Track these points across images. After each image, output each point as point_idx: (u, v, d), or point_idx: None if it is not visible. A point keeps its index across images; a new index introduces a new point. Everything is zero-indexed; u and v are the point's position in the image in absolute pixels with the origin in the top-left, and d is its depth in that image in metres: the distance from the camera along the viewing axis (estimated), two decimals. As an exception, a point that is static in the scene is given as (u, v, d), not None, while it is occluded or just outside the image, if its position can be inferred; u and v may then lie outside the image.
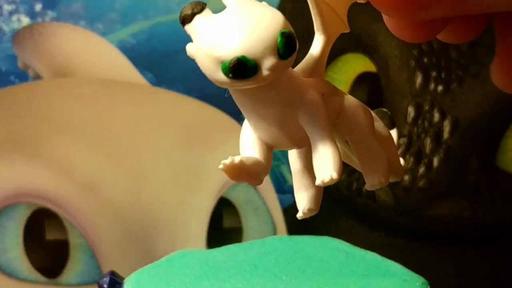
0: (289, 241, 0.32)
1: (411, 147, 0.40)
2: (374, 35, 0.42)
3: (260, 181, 0.23)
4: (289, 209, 0.52)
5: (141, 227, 0.38)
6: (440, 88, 0.41)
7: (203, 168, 0.40)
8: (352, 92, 0.44)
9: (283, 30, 0.22)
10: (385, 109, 0.28)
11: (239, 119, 0.58)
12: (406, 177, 0.40)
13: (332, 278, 0.30)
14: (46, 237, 0.38)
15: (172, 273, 0.30)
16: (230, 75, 0.21)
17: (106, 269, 0.37)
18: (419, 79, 0.41)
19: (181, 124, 0.42)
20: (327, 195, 0.48)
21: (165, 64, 0.58)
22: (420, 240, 0.42)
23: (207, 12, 0.22)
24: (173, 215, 0.39)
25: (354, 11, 0.45)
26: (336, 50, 0.44)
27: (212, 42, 0.21)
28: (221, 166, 0.22)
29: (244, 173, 0.23)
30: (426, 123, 0.40)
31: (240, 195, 0.42)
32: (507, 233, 0.42)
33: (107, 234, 0.37)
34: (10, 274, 0.37)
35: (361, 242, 0.43)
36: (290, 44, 0.22)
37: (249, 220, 0.42)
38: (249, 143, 0.24)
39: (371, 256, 0.33)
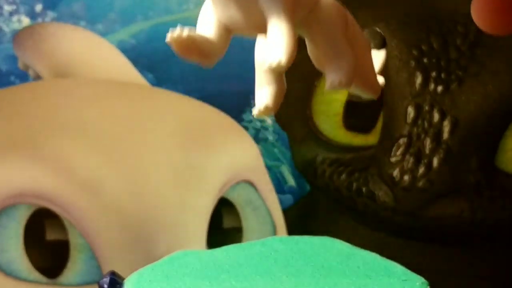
0: (289, 241, 0.32)
1: (411, 147, 0.40)
2: (374, 35, 0.42)
3: (211, 62, 0.22)
4: (289, 209, 0.52)
5: (141, 228, 0.38)
6: (440, 88, 0.41)
7: (203, 168, 0.40)
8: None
9: None
10: (377, 29, 0.27)
11: (239, 119, 0.58)
12: (406, 177, 0.40)
13: (332, 278, 0.30)
14: (46, 237, 0.38)
15: (172, 273, 0.30)
16: None
17: (106, 269, 0.37)
18: (419, 80, 0.41)
19: (181, 124, 0.42)
20: (327, 195, 0.48)
21: (165, 64, 0.58)
22: (420, 240, 0.42)
23: None
24: (173, 215, 0.39)
25: (354, 12, 0.45)
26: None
27: None
28: (167, 38, 0.21)
29: (193, 48, 0.21)
30: (426, 124, 0.40)
31: (240, 195, 0.42)
32: (507, 233, 0.42)
33: (107, 234, 0.37)
34: (10, 274, 0.37)
35: (361, 242, 0.43)
36: None
37: (249, 221, 0.42)
38: (206, 21, 0.22)
39: (371, 256, 0.33)
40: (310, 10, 0.23)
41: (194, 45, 0.21)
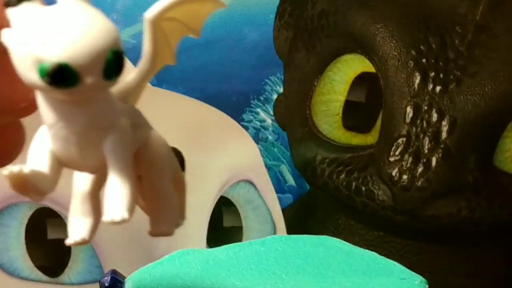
0: (289, 241, 0.32)
1: (410, 147, 0.40)
2: (373, 36, 0.42)
3: (41, 199, 0.21)
4: (289, 208, 0.52)
5: (142, 226, 0.38)
6: (438, 88, 0.41)
7: (203, 168, 0.40)
8: (352, 92, 0.44)
9: (114, 48, 0.20)
10: (176, 148, 0.26)
11: (239, 119, 0.58)
12: (405, 177, 0.40)
13: (331, 277, 0.30)
14: (47, 236, 0.38)
15: (173, 272, 0.30)
16: (47, 79, 0.19)
17: (107, 268, 0.37)
18: (417, 80, 0.41)
19: (181, 124, 0.42)
20: (326, 194, 0.48)
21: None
22: (419, 239, 0.42)
23: (36, 1, 0.20)
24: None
25: (353, 12, 0.46)
26: (336, 50, 0.45)
27: (35, 37, 0.19)
28: (6, 172, 0.20)
29: (27, 185, 0.21)
30: (424, 123, 0.40)
31: (240, 195, 0.42)
32: (505, 232, 0.42)
33: (108, 233, 0.37)
34: (12, 273, 0.37)
35: (360, 241, 0.43)
36: (118, 65, 0.20)
37: (249, 220, 0.43)
38: (39, 153, 0.21)
39: (370, 255, 0.33)
40: (140, 149, 0.23)
41: (28, 182, 0.21)
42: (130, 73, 0.22)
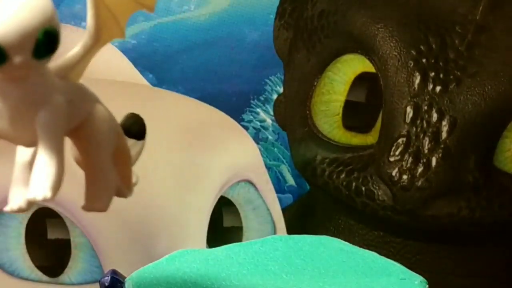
0: (289, 241, 0.32)
1: (410, 147, 0.40)
2: (373, 36, 0.42)
3: None
4: (289, 208, 0.52)
5: (142, 227, 0.38)
6: (438, 88, 0.41)
7: (203, 168, 0.40)
8: (352, 92, 0.44)
9: (48, 27, 0.20)
10: (139, 115, 0.26)
11: (239, 119, 0.58)
12: (405, 177, 0.40)
13: (331, 277, 0.30)
14: (48, 236, 0.38)
15: (173, 272, 0.30)
16: None
17: (107, 268, 0.37)
18: (417, 80, 0.41)
19: (181, 124, 0.42)
20: (326, 194, 0.48)
21: (165, 64, 0.58)
22: (419, 239, 0.42)
23: None
24: (173, 215, 0.39)
25: (353, 12, 0.46)
26: (336, 50, 0.45)
27: None
28: None
29: None
30: (424, 123, 0.40)
31: (240, 195, 0.42)
32: (505, 232, 0.42)
33: (108, 233, 0.37)
34: (12, 273, 0.37)
35: (360, 241, 0.43)
36: (51, 45, 0.20)
37: (249, 220, 0.43)
38: None
39: (370, 255, 0.33)
40: (80, 123, 0.23)
41: None
42: (74, 50, 0.22)
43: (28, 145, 0.23)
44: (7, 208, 0.22)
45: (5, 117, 0.21)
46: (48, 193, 0.21)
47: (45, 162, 0.21)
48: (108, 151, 0.24)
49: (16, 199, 0.22)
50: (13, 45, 0.19)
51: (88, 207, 0.24)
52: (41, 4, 0.20)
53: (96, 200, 0.24)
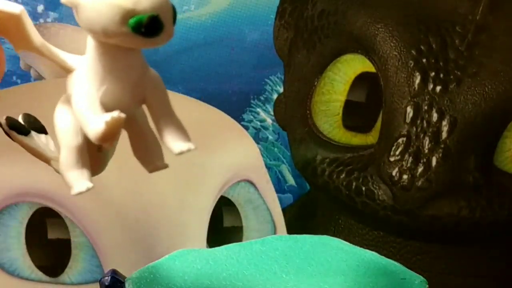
0: (289, 241, 0.32)
1: (410, 147, 0.40)
2: (373, 36, 0.42)
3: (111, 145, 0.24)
4: (289, 208, 0.52)
5: (142, 226, 0.38)
6: (438, 88, 0.41)
7: (203, 168, 0.40)
8: (352, 92, 0.44)
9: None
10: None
11: (239, 119, 0.58)
12: (405, 177, 0.40)
13: (331, 277, 0.30)
14: (48, 236, 0.38)
15: (173, 272, 0.30)
16: (143, 30, 0.21)
17: (108, 268, 0.37)
18: (417, 80, 0.41)
19: (182, 124, 0.42)
20: (326, 194, 0.48)
21: (165, 64, 0.58)
22: (419, 239, 0.42)
23: None
24: (173, 214, 0.39)
25: (353, 12, 0.46)
26: (336, 50, 0.45)
27: None
28: (109, 119, 0.22)
29: (117, 132, 0.23)
30: (424, 123, 0.40)
31: (241, 195, 0.42)
32: (505, 232, 0.42)
33: (108, 233, 0.37)
34: (12, 273, 0.37)
35: (360, 241, 0.43)
36: (175, 16, 0.22)
37: (249, 219, 0.43)
38: (96, 104, 0.23)
39: (370, 255, 0.33)
40: None
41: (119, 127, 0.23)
42: None
43: (127, 112, 0.23)
44: (74, 192, 0.23)
45: (128, 88, 0.23)
46: (191, 145, 0.24)
47: (173, 121, 0.24)
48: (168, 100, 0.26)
49: (81, 182, 0.23)
50: (167, 16, 0.21)
51: (153, 168, 0.26)
52: None
53: (158, 158, 0.26)
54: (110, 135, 0.22)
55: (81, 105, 0.23)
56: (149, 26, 0.21)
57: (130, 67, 0.23)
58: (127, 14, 0.21)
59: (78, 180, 0.24)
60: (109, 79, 0.23)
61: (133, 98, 0.24)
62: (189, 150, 0.24)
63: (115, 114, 0.22)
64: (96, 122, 0.22)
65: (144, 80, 0.23)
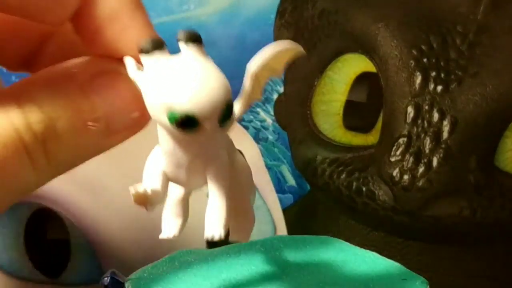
0: (289, 241, 0.32)
1: (411, 147, 0.40)
2: (373, 35, 0.42)
3: (153, 208, 0.26)
4: (289, 208, 0.52)
5: (142, 227, 0.38)
6: (439, 88, 0.41)
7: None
8: (352, 92, 0.44)
9: (228, 101, 0.24)
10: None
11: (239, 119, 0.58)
12: (406, 177, 0.40)
13: (332, 278, 0.30)
14: (47, 237, 0.38)
15: (173, 273, 0.30)
16: (175, 125, 0.23)
17: (107, 268, 0.37)
18: (418, 79, 0.41)
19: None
20: (327, 195, 0.48)
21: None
22: (420, 239, 0.42)
23: (166, 51, 0.24)
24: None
25: (354, 12, 0.46)
26: (336, 50, 0.45)
27: (166, 87, 0.23)
28: (133, 191, 0.24)
29: (148, 202, 0.25)
30: (425, 123, 0.40)
31: (241, 195, 0.42)
32: (506, 232, 0.42)
33: (108, 233, 0.37)
34: (12, 274, 0.37)
35: (360, 241, 0.43)
36: (229, 115, 0.24)
37: (249, 220, 0.42)
38: (153, 172, 0.26)
39: (371, 256, 0.33)
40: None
41: (148, 199, 0.25)
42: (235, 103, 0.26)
43: (195, 188, 0.27)
44: (162, 236, 0.26)
45: (183, 168, 0.25)
46: (222, 233, 0.25)
47: (216, 206, 0.25)
48: (248, 191, 0.29)
49: (170, 229, 0.26)
50: (207, 116, 0.23)
51: (232, 238, 0.28)
52: (223, 79, 0.24)
53: (240, 231, 0.29)
54: (138, 202, 0.25)
55: (146, 164, 0.26)
56: (183, 124, 0.23)
57: (189, 151, 0.25)
58: (167, 108, 0.23)
59: (170, 227, 0.28)
60: (173, 158, 0.25)
61: (191, 177, 0.25)
62: (219, 239, 0.25)
63: (138, 189, 0.24)
64: (136, 186, 0.25)
65: (207, 166, 0.25)
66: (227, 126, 0.24)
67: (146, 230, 0.38)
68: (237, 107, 0.26)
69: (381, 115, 0.43)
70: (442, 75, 0.41)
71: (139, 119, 0.26)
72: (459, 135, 0.40)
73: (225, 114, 0.23)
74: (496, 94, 0.40)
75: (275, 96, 0.61)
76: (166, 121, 0.23)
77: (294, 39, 0.48)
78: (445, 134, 0.40)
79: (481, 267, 0.43)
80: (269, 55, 0.25)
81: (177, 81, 0.23)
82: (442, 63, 0.41)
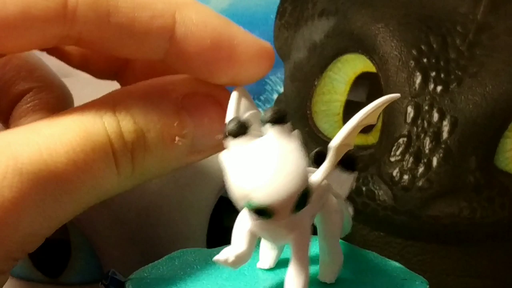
0: (289, 241, 0.32)
1: (411, 147, 0.40)
2: (373, 35, 0.42)
3: (241, 266, 0.27)
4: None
5: (142, 226, 0.38)
6: (439, 88, 0.41)
7: (203, 168, 0.40)
8: (352, 92, 0.44)
9: (303, 189, 0.24)
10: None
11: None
12: (406, 177, 0.40)
13: (331, 277, 0.30)
14: (48, 236, 0.38)
15: (172, 272, 0.30)
16: (251, 211, 0.24)
17: (107, 268, 0.37)
18: (418, 80, 0.41)
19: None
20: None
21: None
22: (419, 239, 0.42)
23: (249, 135, 0.25)
24: (173, 214, 0.39)
25: (354, 12, 0.46)
26: (336, 50, 0.45)
27: (244, 177, 0.24)
28: (221, 260, 0.26)
29: (235, 265, 0.26)
30: (425, 123, 0.40)
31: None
32: (506, 232, 0.42)
33: (108, 233, 0.37)
34: (12, 273, 0.37)
35: (360, 241, 0.43)
36: (304, 202, 0.24)
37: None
38: (241, 232, 0.27)
39: (371, 256, 0.33)
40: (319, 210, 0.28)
41: (234, 263, 0.26)
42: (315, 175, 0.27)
43: (278, 244, 0.30)
44: (215, 258, 0.27)
45: (268, 231, 0.26)
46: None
47: (296, 273, 0.26)
48: (338, 233, 0.29)
49: (225, 254, 0.27)
50: (281, 208, 0.24)
51: (322, 279, 0.29)
52: (302, 169, 0.24)
53: (327, 272, 0.29)
54: (229, 266, 0.26)
55: (235, 223, 0.28)
56: (258, 213, 0.24)
57: (272, 230, 0.26)
58: (244, 197, 0.24)
59: (267, 260, 0.30)
60: (258, 227, 0.26)
61: (275, 238, 0.27)
62: None
63: (220, 258, 0.26)
64: (224, 251, 0.26)
65: (290, 232, 0.26)
66: (301, 210, 0.25)
67: (146, 230, 0.38)
68: (316, 178, 0.26)
69: (381, 115, 0.43)
70: (442, 75, 0.41)
71: (223, 140, 0.27)
72: (459, 135, 0.40)
73: (299, 203, 0.24)
74: (496, 93, 0.40)
75: (275, 96, 0.61)
76: (242, 205, 0.25)
77: (294, 39, 0.48)
78: (445, 134, 0.40)
79: (481, 267, 0.43)
80: (351, 129, 0.26)
81: (254, 172, 0.24)
82: (442, 63, 0.41)
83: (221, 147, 0.27)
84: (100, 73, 0.34)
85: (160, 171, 0.29)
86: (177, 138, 0.28)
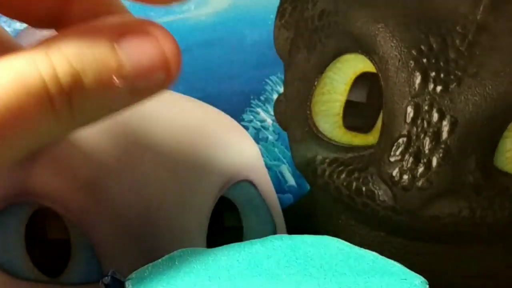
0: (289, 241, 0.33)
1: (410, 147, 0.40)
2: (373, 35, 0.42)
3: None
4: (289, 208, 0.52)
5: (142, 226, 0.38)
6: (439, 88, 0.41)
7: (203, 168, 0.40)
8: (352, 92, 0.44)
9: None
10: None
11: (239, 119, 0.58)
12: (405, 177, 0.40)
13: (331, 278, 0.30)
14: (47, 236, 0.38)
15: (173, 272, 0.30)
16: None
17: (107, 268, 0.37)
18: (418, 80, 0.41)
19: (181, 124, 0.42)
20: (327, 195, 0.48)
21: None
22: (419, 239, 0.42)
23: None
24: (173, 214, 0.39)
25: (354, 12, 0.46)
26: (336, 50, 0.45)
27: None
28: None
29: None
30: (425, 123, 0.40)
31: (241, 195, 0.42)
32: (505, 232, 0.42)
33: (108, 233, 0.37)
34: (12, 273, 0.37)
35: (360, 241, 0.43)
36: None
37: (249, 220, 0.43)
38: None
39: (371, 256, 0.33)
40: None
41: None
42: None
43: None
44: None
45: None
46: None
47: None
48: None
49: None
50: None
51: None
52: None
53: None
54: None
55: None
56: None
57: None
58: None
59: None
60: None
61: None
62: None
63: None
64: None
65: None
66: None
67: (146, 230, 0.38)
68: None
69: (381, 115, 0.43)
70: (442, 75, 0.41)
71: (164, 79, 0.26)
72: (458, 135, 0.40)
73: None
74: (495, 94, 0.40)
75: (275, 96, 0.61)
76: None
77: (294, 39, 0.48)
78: (444, 134, 0.40)
79: (480, 267, 0.43)
80: None
81: None
82: (441, 63, 0.41)
83: (163, 86, 0.26)
84: (37, 22, 0.33)
85: (100, 114, 0.28)
86: (115, 79, 0.27)
